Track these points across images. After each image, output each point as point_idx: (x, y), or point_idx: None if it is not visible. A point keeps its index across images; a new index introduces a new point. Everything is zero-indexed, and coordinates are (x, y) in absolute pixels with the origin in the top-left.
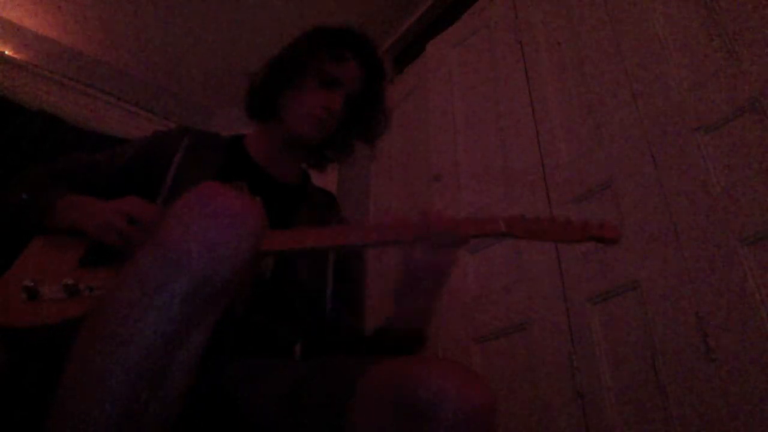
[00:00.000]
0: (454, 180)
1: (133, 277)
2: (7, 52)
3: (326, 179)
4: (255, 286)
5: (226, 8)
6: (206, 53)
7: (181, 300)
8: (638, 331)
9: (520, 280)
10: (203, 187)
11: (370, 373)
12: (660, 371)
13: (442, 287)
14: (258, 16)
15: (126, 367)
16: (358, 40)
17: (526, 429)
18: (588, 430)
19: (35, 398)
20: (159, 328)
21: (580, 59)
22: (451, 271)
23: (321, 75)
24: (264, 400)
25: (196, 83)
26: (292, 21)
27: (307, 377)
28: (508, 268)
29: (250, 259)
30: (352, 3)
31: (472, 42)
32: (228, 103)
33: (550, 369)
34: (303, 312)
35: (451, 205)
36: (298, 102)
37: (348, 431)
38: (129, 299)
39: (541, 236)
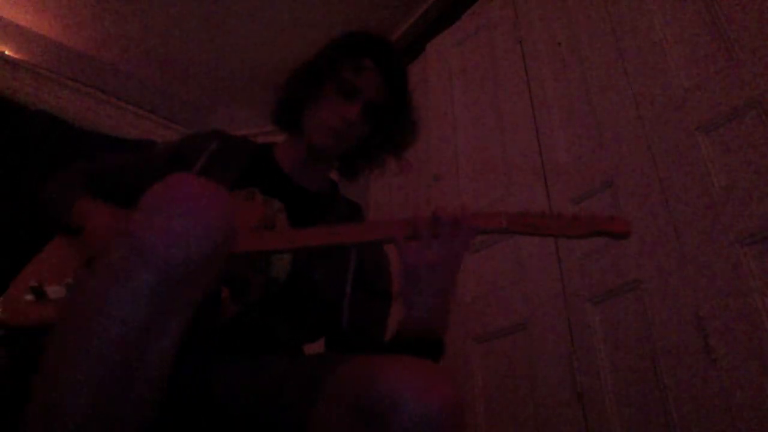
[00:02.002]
0: (454, 180)
1: (102, 269)
2: (7, 52)
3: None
4: (268, 288)
5: (225, 8)
6: (206, 53)
7: (149, 289)
8: (638, 331)
9: (520, 280)
10: (170, 178)
11: (335, 374)
12: (660, 371)
13: (452, 285)
14: (258, 16)
15: (98, 357)
16: (378, 47)
17: (526, 429)
18: (588, 430)
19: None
20: (129, 318)
21: (580, 59)
22: (459, 267)
23: (339, 84)
24: (245, 398)
25: (196, 83)
26: (291, 21)
27: (282, 376)
28: (508, 268)
29: (220, 248)
30: (353, 3)
31: (472, 42)
32: (227, 103)
33: (550, 369)
34: (316, 318)
35: (451, 206)
36: (317, 112)
37: (312, 429)
38: (98, 291)
39: (546, 232)
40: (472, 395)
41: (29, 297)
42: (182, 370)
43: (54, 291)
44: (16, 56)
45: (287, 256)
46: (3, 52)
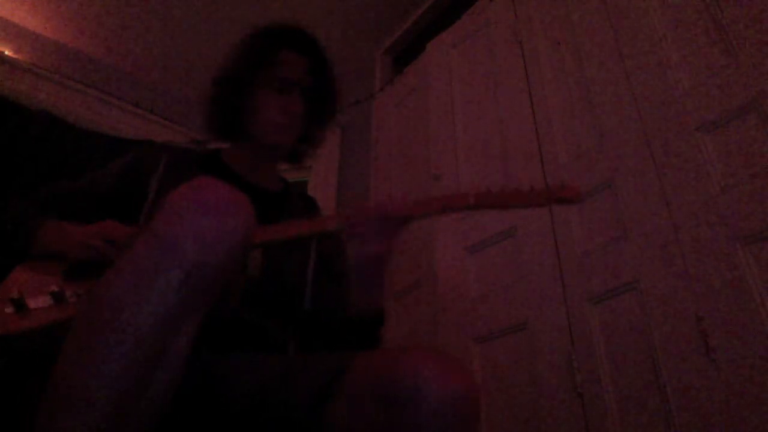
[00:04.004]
0: (454, 180)
1: (129, 266)
2: (7, 52)
3: (326, 179)
4: (246, 284)
5: (225, 8)
6: (206, 53)
7: (175, 288)
8: (638, 331)
9: (520, 280)
10: (197, 181)
11: (352, 366)
12: (660, 371)
13: (383, 271)
14: (258, 16)
15: (122, 353)
16: (292, 36)
17: (526, 429)
18: (588, 430)
19: (30, 405)
20: (154, 315)
21: (580, 59)
22: (389, 256)
23: (272, 82)
24: (248, 393)
25: (196, 83)
26: (292, 21)
27: (290, 370)
28: (508, 268)
29: (241, 251)
30: (352, 3)
31: (472, 42)
32: None
33: (550, 369)
34: (290, 309)
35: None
36: (261, 115)
37: (328, 423)
38: (125, 286)
39: (509, 204)
40: None
41: (9, 309)
42: (188, 373)
43: (35, 301)
44: (16, 56)
45: (258, 254)
46: (3, 52)
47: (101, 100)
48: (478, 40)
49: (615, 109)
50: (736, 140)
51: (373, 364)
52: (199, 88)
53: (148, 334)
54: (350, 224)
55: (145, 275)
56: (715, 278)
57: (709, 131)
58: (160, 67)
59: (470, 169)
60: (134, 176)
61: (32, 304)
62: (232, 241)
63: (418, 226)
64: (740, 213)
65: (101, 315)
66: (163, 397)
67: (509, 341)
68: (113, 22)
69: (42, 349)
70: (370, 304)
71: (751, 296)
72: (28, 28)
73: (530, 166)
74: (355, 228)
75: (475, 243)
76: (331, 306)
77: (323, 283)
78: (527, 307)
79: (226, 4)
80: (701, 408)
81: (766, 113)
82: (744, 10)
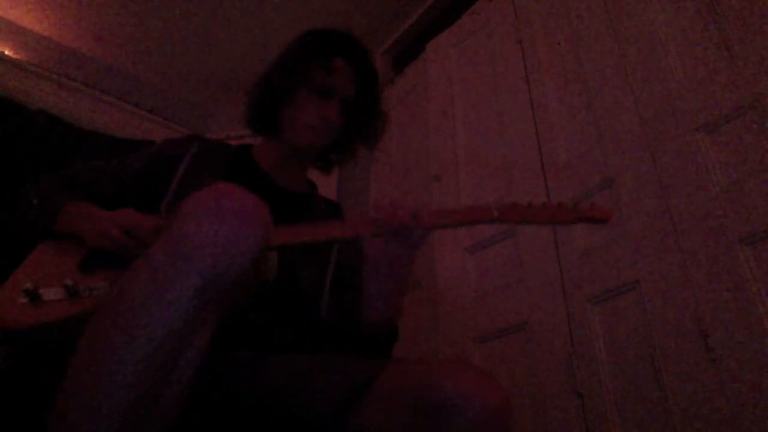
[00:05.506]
0: (454, 180)
1: (146, 271)
2: (7, 52)
3: (326, 180)
4: (259, 287)
5: (226, 8)
6: (206, 53)
7: (191, 295)
8: (638, 331)
9: (520, 280)
10: (216, 186)
11: (385, 371)
12: (660, 371)
13: (407, 277)
14: (258, 16)
15: (137, 358)
16: (348, 45)
17: (526, 429)
18: (588, 430)
19: (40, 398)
20: (170, 321)
21: (580, 59)
22: (410, 266)
23: (314, 85)
24: (256, 392)
25: (196, 83)
26: (292, 21)
27: (313, 370)
28: (508, 268)
29: (256, 259)
30: (353, 3)
31: (472, 42)
32: (227, 103)
33: (550, 369)
34: (302, 313)
35: (451, 205)
36: (296, 114)
37: (354, 425)
38: (141, 292)
39: (535, 219)
40: None
41: (23, 300)
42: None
43: (49, 293)
44: (16, 56)
45: (274, 257)
46: (3, 52)
47: (101, 100)
48: (478, 40)
49: (615, 109)
50: (735, 140)
51: (408, 371)
52: (199, 88)
53: (163, 341)
54: (371, 234)
55: (161, 282)
56: (715, 278)
57: (709, 131)
58: (160, 67)
59: (470, 170)
60: (161, 162)
61: (46, 295)
62: (249, 251)
63: None
64: (740, 213)
65: (116, 319)
66: (178, 402)
67: (509, 341)
68: (113, 22)
69: (52, 344)
70: (382, 316)
71: (751, 296)
72: (28, 28)
73: (530, 166)
74: (376, 236)
75: (474, 243)
76: (347, 317)
77: (340, 292)
78: (527, 307)
79: (226, 6)
80: (701, 408)
81: (766, 113)
82: (744, 10)
